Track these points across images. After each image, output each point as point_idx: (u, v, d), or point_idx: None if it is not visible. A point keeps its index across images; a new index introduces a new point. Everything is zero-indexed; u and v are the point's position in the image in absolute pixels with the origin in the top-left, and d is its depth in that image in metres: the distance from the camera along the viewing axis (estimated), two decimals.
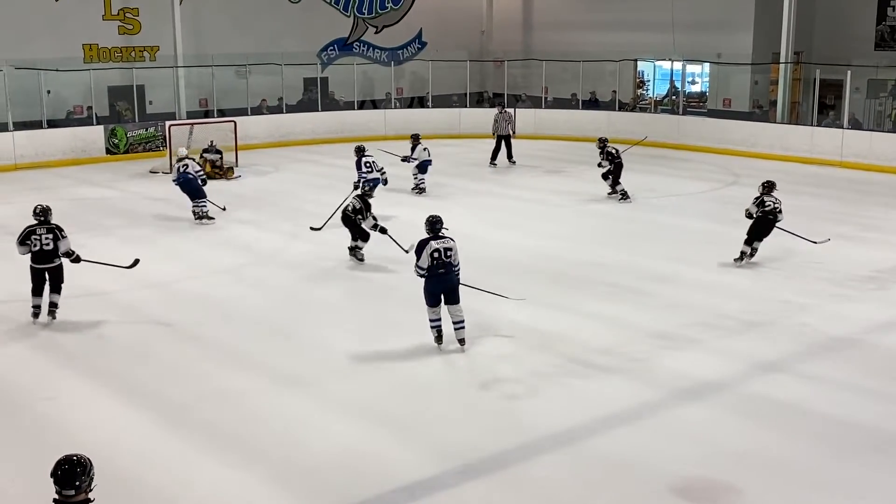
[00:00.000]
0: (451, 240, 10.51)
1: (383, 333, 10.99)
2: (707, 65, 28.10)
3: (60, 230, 11.21)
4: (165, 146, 22.95)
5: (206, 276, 13.46)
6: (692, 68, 28.38)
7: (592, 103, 28.71)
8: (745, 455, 7.91)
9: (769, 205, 13.78)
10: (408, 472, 7.64)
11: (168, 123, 23.29)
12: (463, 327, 10.34)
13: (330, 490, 7.42)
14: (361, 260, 14.00)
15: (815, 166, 22.47)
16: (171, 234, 15.86)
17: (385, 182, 17.42)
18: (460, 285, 10.49)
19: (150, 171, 21.78)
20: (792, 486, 7.48)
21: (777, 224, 13.78)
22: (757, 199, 13.93)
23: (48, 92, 23.78)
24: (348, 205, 14.18)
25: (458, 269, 10.40)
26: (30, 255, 11.05)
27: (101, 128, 23.79)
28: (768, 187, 14.10)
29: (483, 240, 15.30)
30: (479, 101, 30.99)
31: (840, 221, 16.54)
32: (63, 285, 11.29)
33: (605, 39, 28.79)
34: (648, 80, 30.14)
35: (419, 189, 19.34)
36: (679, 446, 8.10)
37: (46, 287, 11.17)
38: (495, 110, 23.72)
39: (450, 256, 10.30)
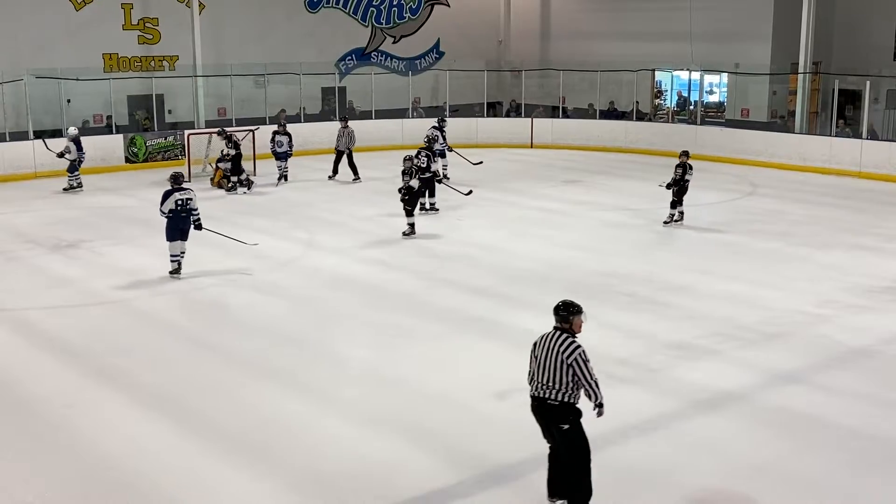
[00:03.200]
0: (191, 190, 13.65)
1: (398, 341, 10.99)
2: (725, 75, 28.04)
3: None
4: (184, 155, 23.07)
5: (223, 283, 13.50)
6: (710, 78, 28.32)
7: (612, 113, 28.69)
8: (762, 467, 7.86)
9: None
10: (423, 480, 7.63)
11: (187, 132, 23.41)
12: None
13: (344, 498, 7.41)
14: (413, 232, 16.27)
15: (834, 177, 22.38)
16: (189, 242, 15.89)
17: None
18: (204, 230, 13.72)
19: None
20: (810, 498, 7.43)
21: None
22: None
23: (68, 101, 23.95)
24: (416, 164, 17.05)
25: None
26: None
27: (120, 136, 23.93)
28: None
29: (500, 249, 15.31)
30: (489, 108, 30.99)
31: (859, 232, 16.45)
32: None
33: (622, 49, 28.80)
34: (666, 91, 30.11)
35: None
36: (696, 457, 8.06)
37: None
38: (339, 125, 22.79)
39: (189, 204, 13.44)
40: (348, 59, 30.56)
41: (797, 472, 7.80)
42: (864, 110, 22.98)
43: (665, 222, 16.95)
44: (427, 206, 18.04)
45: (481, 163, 22.45)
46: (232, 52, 27.10)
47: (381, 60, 31.30)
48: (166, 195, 13.54)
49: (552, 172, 23.34)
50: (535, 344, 7.17)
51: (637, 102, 28.22)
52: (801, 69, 24.54)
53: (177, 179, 13.78)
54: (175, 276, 13.55)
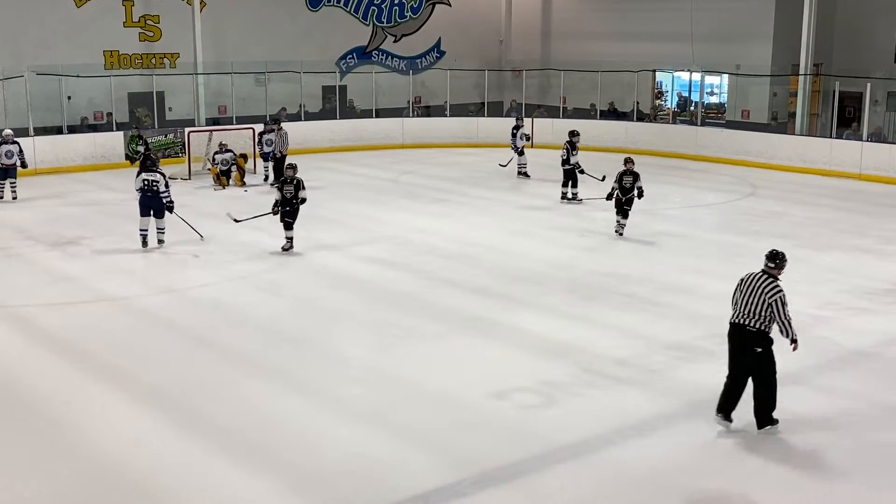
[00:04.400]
0: (159, 173, 15.06)
1: (398, 341, 10.99)
2: (726, 76, 28.05)
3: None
4: (185, 153, 23.07)
5: (222, 281, 13.51)
6: (711, 79, 28.33)
7: (612, 114, 28.70)
8: (762, 468, 7.86)
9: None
10: (423, 480, 7.62)
11: (187, 130, 23.42)
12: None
13: (344, 497, 7.41)
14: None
15: (835, 178, 22.39)
16: (188, 240, 15.92)
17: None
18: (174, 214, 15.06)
19: (169, 178, 21.83)
20: (809, 500, 7.43)
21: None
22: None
23: (69, 98, 23.95)
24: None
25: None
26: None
27: (120, 134, 23.93)
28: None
29: (500, 249, 15.32)
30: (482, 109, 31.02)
31: (859, 234, 16.46)
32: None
33: (623, 50, 28.81)
34: (667, 91, 30.12)
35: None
36: (696, 459, 8.06)
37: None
38: (271, 129, 21.98)
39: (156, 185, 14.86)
40: (349, 58, 30.56)
41: (797, 473, 7.80)
42: (865, 112, 22.98)
43: (617, 232, 16.26)
44: (569, 195, 19.21)
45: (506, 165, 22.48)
46: (233, 49, 27.11)
47: (381, 59, 31.31)
48: (137, 174, 15.50)
49: (552, 172, 23.28)
50: (741, 280, 8.83)
51: (638, 103, 28.22)
52: (801, 71, 24.56)
53: (145, 161, 16.03)
54: (144, 248, 15.10)
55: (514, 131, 22.22)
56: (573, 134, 19.36)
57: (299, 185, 14.99)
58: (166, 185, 15.21)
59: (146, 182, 15.09)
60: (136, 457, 8.02)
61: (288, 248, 14.97)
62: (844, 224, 17.28)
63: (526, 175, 22.04)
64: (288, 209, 14.91)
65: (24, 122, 22.51)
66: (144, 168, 15.55)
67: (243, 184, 21.20)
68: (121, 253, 14.95)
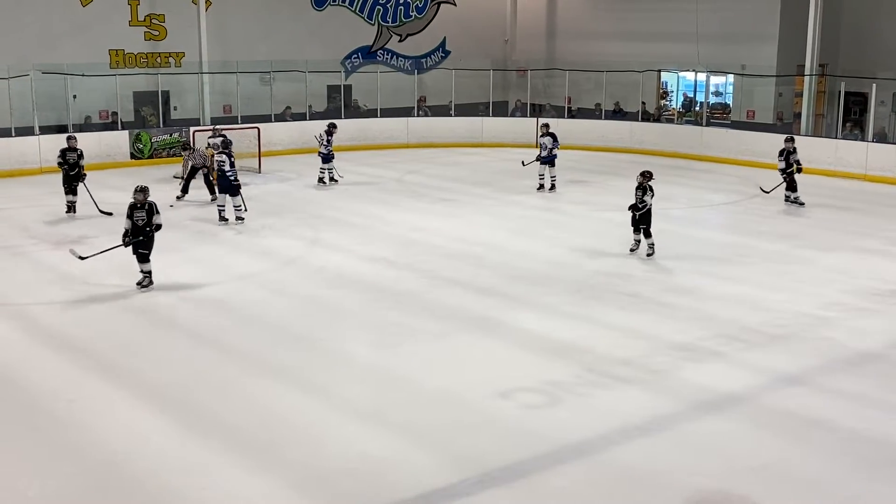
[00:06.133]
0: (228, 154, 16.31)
1: (401, 340, 10.99)
2: (731, 76, 28.00)
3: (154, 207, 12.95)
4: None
5: (228, 281, 13.51)
6: (716, 79, 28.28)
7: (618, 114, 28.67)
8: (764, 469, 7.85)
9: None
10: (426, 479, 7.62)
11: (192, 129, 23.43)
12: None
13: (348, 496, 7.41)
14: None
15: (840, 179, 22.33)
16: (194, 240, 15.94)
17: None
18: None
19: (174, 177, 21.88)
20: (812, 500, 7.42)
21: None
22: (646, 192, 14.67)
23: (74, 97, 23.97)
24: None
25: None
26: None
27: (125, 133, 23.97)
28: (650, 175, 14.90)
29: (504, 248, 15.31)
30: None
31: (865, 235, 16.42)
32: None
33: (629, 49, 28.77)
34: (672, 91, 30.08)
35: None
36: (698, 459, 8.05)
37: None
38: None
39: None
40: (354, 58, 30.56)
41: (799, 475, 7.79)
42: (871, 113, 22.92)
43: (631, 250, 15.00)
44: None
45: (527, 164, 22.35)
46: (238, 49, 27.12)
47: (386, 59, 31.30)
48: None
49: (557, 172, 23.29)
50: None
51: (643, 103, 28.19)
52: (807, 71, 24.50)
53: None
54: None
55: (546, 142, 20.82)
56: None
57: (152, 210, 12.82)
58: (231, 166, 16.87)
59: (219, 163, 16.93)
60: (139, 455, 8.02)
61: (146, 284, 12.87)
62: (850, 225, 17.23)
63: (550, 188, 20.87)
64: (141, 239, 12.74)
65: (29, 121, 22.54)
66: (67, 147, 17.41)
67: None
68: (126, 252, 14.93)
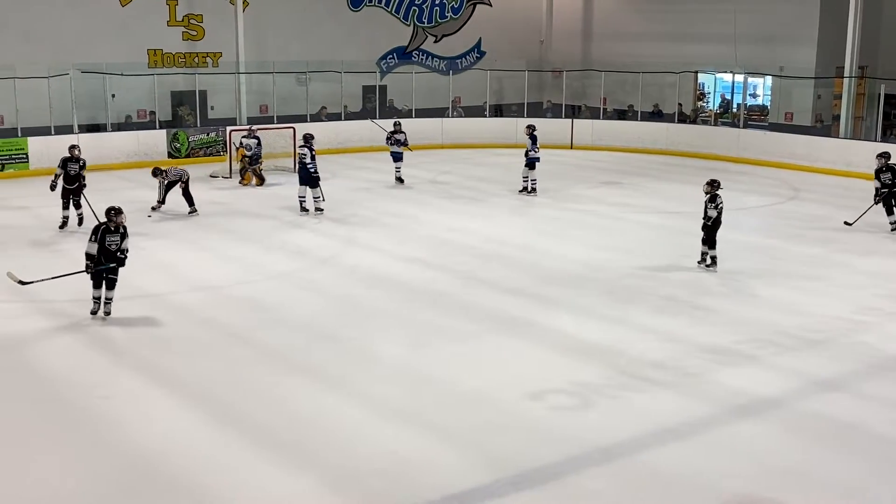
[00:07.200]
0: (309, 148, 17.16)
1: (434, 340, 11.00)
2: (769, 78, 27.76)
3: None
4: (226, 151, 23.26)
5: (260, 279, 13.60)
6: (754, 81, 28.05)
7: (656, 115, 28.52)
8: (798, 473, 7.78)
9: (720, 204, 13.92)
10: (458, 480, 7.62)
11: (229, 129, 23.61)
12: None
13: (380, 496, 7.43)
14: None
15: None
16: (228, 238, 16.05)
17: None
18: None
19: (210, 176, 22.07)
20: None
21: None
22: (716, 200, 13.90)
23: (113, 96, 24.23)
24: None
25: None
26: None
27: (163, 132, 24.20)
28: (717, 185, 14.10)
29: (537, 249, 15.28)
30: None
31: None
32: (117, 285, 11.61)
33: (665, 51, 28.61)
34: (709, 93, 29.88)
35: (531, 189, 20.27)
36: (732, 463, 7.99)
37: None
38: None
39: None
40: (389, 58, 30.64)
41: (833, 480, 7.71)
42: None
43: (698, 262, 14.23)
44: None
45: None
46: (274, 49, 27.30)
47: (422, 59, 31.35)
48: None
49: (591, 174, 23.25)
50: None
51: (680, 105, 28.02)
52: (846, 73, 24.22)
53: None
54: (301, 213, 17.49)
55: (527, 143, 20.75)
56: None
57: (125, 234, 11.57)
58: (312, 158, 17.49)
59: (300, 156, 17.70)
60: (174, 452, 8.09)
61: (108, 312, 11.56)
62: (887, 229, 17.00)
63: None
64: (113, 266, 11.43)
65: (68, 120, 22.81)
66: (68, 157, 16.25)
67: (261, 181, 21.15)
68: (160, 250, 15.09)
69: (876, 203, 16.92)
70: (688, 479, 7.67)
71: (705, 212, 14.02)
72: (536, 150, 20.05)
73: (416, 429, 8.61)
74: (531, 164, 20.07)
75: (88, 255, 11.32)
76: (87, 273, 11.38)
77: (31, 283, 11.79)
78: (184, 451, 8.14)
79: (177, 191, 17.83)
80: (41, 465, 7.90)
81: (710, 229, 14.02)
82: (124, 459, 7.99)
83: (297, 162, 18.19)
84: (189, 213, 17.75)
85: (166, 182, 17.84)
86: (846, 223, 17.17)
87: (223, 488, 7.52)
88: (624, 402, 9.24)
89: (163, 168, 18.08)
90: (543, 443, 8.32)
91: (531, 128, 20.43)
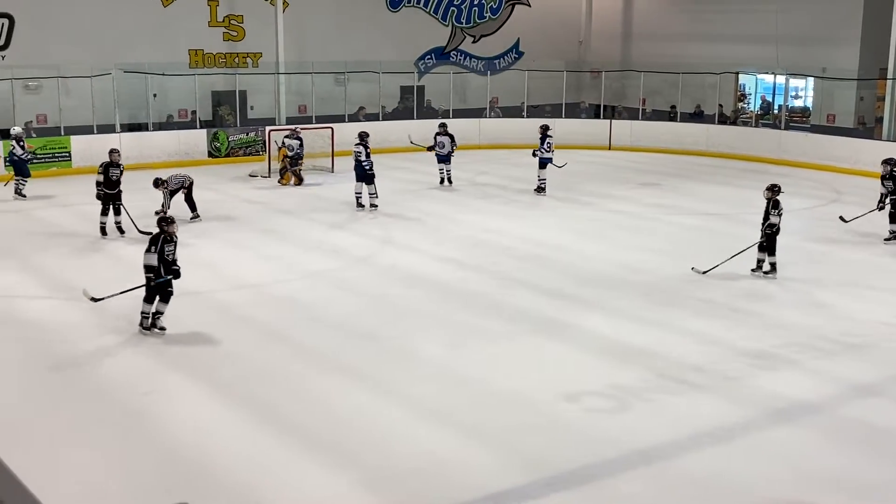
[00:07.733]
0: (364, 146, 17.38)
1: (470, 340, 11.01)
2: (811, 79, 27.46)
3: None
4: (265, 151, 23.42)
5: (299, 278, 13.68)
6: (796, 82, 27.76)
7: (696, 116, 28.32)
8: (837, 479, 7.70)
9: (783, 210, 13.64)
10: (493, 480, 7.63)
11: (268, 129, 23.77)
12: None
13: (416, 496, 7.46)
14: None
15: None
16: (267, 237, 16.16)
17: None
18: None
19: (250, 175, 22.23)
20: None
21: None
22: (779, 206, 13.55)
23: (154, 95, 24.50)
24: None
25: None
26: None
27: (203, 132, 24.42)
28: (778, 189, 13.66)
29: (574, 251, 15.23)
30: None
31: None
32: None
33: (705, 51, 28.40)
34: (750, 94, 29.60)
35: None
36: (770, 468, 7.92)
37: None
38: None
39: None
40: (427, 59, 30.68)
41: (873, 486, 7.63)
42: None
43: (752, 270, 13.80)
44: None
45: (566, 164, 22.29)
46: (314, 49, 27.43)
47: (460, 60, 31.36)
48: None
49: (629, 175, 23.12)
50: None
51: (720, 106, 27.80)
52: (890, 75, 23.86)
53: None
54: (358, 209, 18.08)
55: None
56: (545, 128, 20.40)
57: (176, 244, 11.38)
58: (367, 156, 18.02)
59: (356, 154, 18.11)
60: (213, 450, 8.18)
61: (163, 327, 11.18)
62: None
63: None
64: (171, 278, 11.12)
65: (110, 119, 23.09)
66: (109, 161, 15.98)
67: (300, 181, 21.28)
68: (201, 248, 15.22)
69: (879, 209, 16.56)
70: (724, 484, 7.62)
71: (766, 217, 13.60)
72: (545, 150, 20.15)
73: (451, 429, 8.63)
74: (542, 164, 20.20)
75: (149, 268, 10.93)
76: (149, 285, 10.99)
77: (102, 299, 11.55)
78: (224, 449, 8.21)
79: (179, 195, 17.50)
80: (82, 460, 8.01)
81: (772, 236, 13.62)
82: (166, 456, 8.07)
83: (353, 160, 18.41)
84: (191, 218, 17.10)
85: (169, 190, 17.27)
86: (841, 218, 16.82)
87: (265, 489, 7.56)
88: (661, 405, 9.19)
89: (163, 178, 17.45)
90: (579, 445, 8.30)
91: (545, 128, 20.52)
